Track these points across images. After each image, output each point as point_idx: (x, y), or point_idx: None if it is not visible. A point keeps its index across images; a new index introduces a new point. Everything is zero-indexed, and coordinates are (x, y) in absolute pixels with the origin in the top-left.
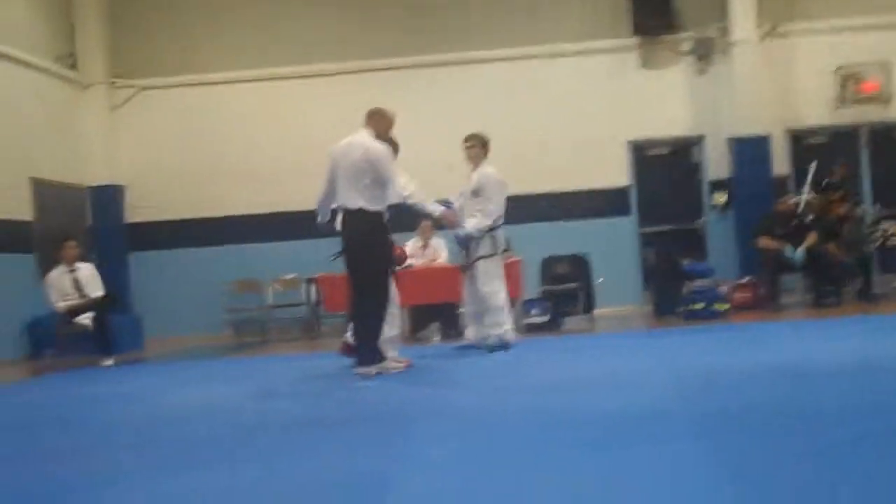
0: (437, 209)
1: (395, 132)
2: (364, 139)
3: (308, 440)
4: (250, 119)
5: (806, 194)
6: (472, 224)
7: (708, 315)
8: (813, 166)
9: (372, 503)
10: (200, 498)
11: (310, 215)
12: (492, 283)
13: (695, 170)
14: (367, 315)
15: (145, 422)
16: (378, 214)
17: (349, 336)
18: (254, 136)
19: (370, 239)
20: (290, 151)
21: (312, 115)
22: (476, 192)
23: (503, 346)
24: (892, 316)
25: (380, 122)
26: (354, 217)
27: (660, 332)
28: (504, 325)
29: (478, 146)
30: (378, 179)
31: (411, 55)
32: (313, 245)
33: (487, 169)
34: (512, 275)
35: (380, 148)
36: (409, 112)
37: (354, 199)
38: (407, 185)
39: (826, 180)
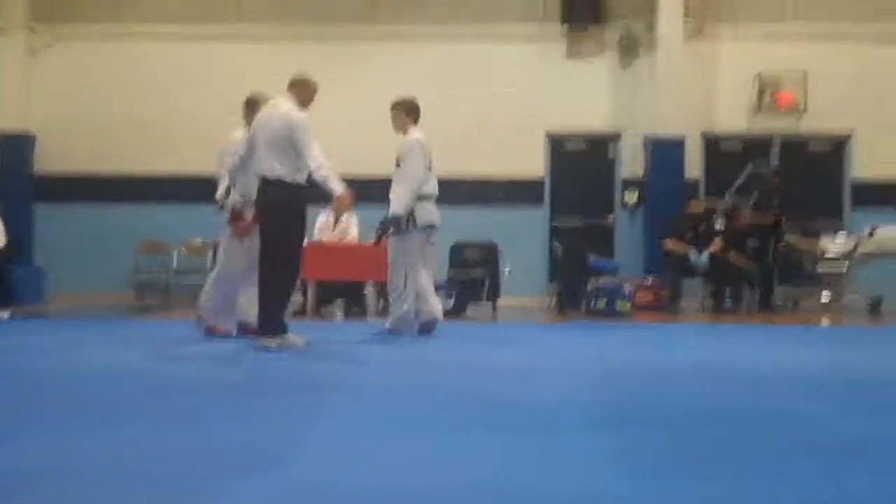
0: (338, 187)
1: (324, 102)
2: (285, 105)
3: (210, 404)
4: (175, 77)
5: (729, 198)
6: (394, 202)
7: (610, 313)
8: (748, 169)
9: (269, 468)
10: (104, 455)
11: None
12: (393, 263)
13: (610, 166)
14: (276, 285)
15: (42, 381)
16: (296, 186)
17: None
18: (177, 96)
19: (285, 210)
20: (213, 116)
21: (240, 80)
22: (397, 162)
23: (394, 330)
24: (789, 326)
25: (303, 91)
26: (272, 186)
27: (562, 326)
28: (395, 310)
29: (402, 112)
30: (296, 148)
31: (349, 23)
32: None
33: (410, 135)
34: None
35: (299, 115)
36: (340, 84)
37: (272, 168)
38: (318, 157)
39: (758, 188)
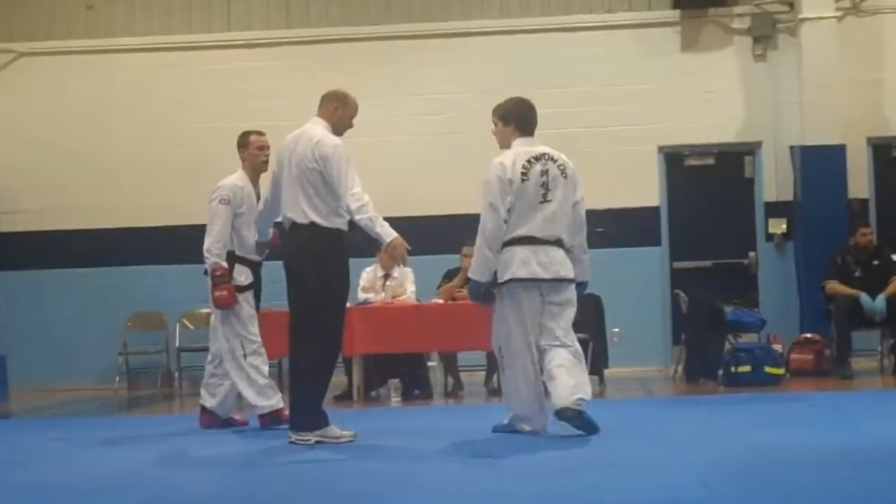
0: (387, 234)
1: (359, 122)
2: (315, 131)
3: None
4: (161, 98)
5: None
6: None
7: (756, 381)
8: None
9: None
10: None
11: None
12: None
13: (746, 188)
14: (310, 366)
15: (8, 499)
16: (335, 233)
17: (210, 399)
18: (165, 122)
19: (319, 265)
20: (213, 144)
21: (243, 98)
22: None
23: (511, 425)
24: None
25: (337, 109)
26: (301, 234)
27: (693, 401)
28: (506, 400)
29: (499, 121)
30: (330, 185)
31: (384, 23)
32: None
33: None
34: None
35: (333, 141)
36: (378, 97)
37: (302, 211)
38: (360, 194)
39: None
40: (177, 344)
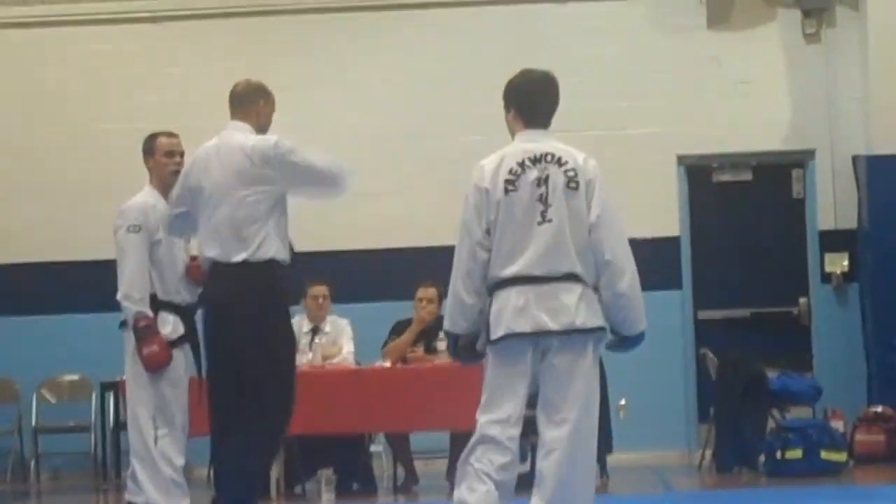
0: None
1: (317, 103)
2: (240, 138)
3: None
4: (25, 88)
5: None
6: None
7: (810, 469)
8: None
9: None
10: None
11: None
12: None
13: (795, 211)
14: (248, 454)
15: None
16: (275, 269)
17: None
18: (31, 121)
19: (262, 317)
20: (96, 151)
21: (142, 89)
22: None
23: None
24: None
25: (264, 106)
26: (232, 278)
27: (725, 497)
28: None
29: (505, 104)
30: (278, 200)
31: None
32: (115, 321)
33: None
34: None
35: (267, 138)
36: (310, 87)
37: (230, 247)
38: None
39: None
40: (33, 423)
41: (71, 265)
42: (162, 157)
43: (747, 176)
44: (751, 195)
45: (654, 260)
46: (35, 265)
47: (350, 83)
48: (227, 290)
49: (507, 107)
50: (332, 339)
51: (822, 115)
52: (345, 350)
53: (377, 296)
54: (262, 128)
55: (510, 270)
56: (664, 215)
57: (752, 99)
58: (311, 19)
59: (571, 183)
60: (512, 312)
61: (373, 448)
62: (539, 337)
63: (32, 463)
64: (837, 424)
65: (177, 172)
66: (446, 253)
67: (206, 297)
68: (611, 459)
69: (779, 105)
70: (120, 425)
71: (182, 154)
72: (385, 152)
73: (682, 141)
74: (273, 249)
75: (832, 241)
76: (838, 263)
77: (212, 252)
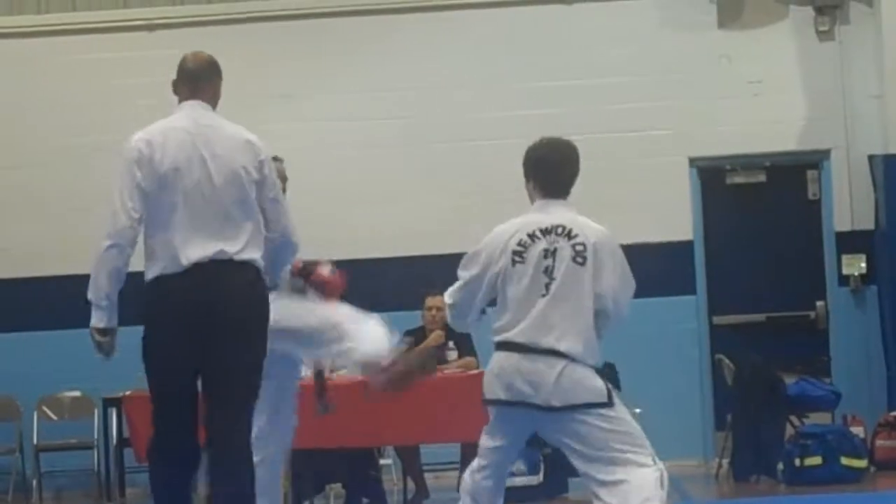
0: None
1: (314, 110)
2: (232, 127)
3: None
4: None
5: None
6: None
7: (830, 477)
8: None
9: None
10: None
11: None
12: None
13: (811, 212)
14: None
15: None
16: (263, 276)
17: None
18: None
19: (259, 324)
20: (83, 163)
21: (131, 98)
22: None
23: None
24: None
25: (217, 87)
26: (232, 279)
27: None
28: None
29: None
30: (264, 201)
31: None
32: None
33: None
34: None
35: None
36: (311, 94)
37: (227, 241)
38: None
39: None
40: (34, 441)
41: (70, 279)
42: None
43: (761, 177)
44: (765, 197)
45: (668, 265)
46: (34, 280)
47: (347, 89)
48: (232, 290)
49: (527, 177)
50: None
51: (837, 114)
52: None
53: (384, 306)
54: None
55: (506, 334)
56: (677, 219)
57: (765, 99)
58: (308, 25)
59: (578, 258)
60: (495, 377)
61: (382, 462)
62: (524, 407)
63: (34, 482)
64: (857, 430)
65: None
66: (454, 261)
67: (197, 298)
68: None
69: (793, 104)
70: (123, 442)
71: (286, 180)
72: (387, 160)
73: (694, 142)
74: (258, 250)
75: (849, 242)
76: (856, 265)
77: (204, 250)
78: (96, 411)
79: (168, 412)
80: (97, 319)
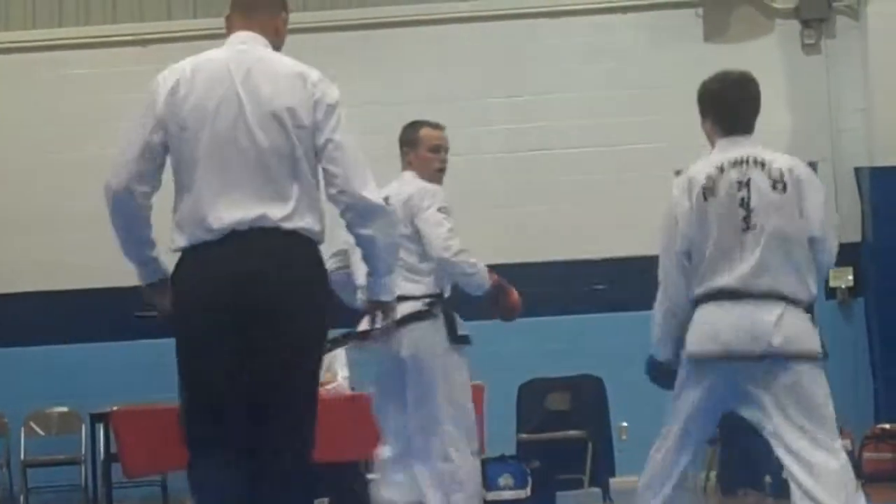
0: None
1: None
2: (289, 60)
3: None
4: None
5: None
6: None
7: None
8: None
9: None
10: None
11: (104, 295)
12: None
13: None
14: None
15: None
16: (319, 248)
17: None
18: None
19: (315, 310)
20: (74, 178)
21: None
22: None
23: None
24: None
25: (279, 21)
26: (279, 253)
27: None
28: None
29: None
30: (318, 151)
31: (311, 9)
32: (104, 352)
33: None
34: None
35: (325, 80)
36: None
37: (271, 204)
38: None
39: None
40: (21, 456)
41: (58, 295)
42: (427, 153)
43: None
44: None
45: (654, 279)
46: (21, 295)
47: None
48: (280, 267)
49: (704, 115)
50: (325, 366)
51: (824, 127)
52: (339, 376)
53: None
54: (276, 45)
55: (711, 283)
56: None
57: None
58: (300, 39)
59: (777, 186)
60: (700, 331)
61: (369, 476)
62: (732, 363)
63: (22, 497)
64: (845, 443)
65: (442, 170)
66: None
67: (236, 269)
68: (614, 483)
69: (779, 117)
70: (111, 457)
71: (447, 150)
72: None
73: (681, 156)
74: (318, 218)
75: (836, 256)
76: (843, 278)
77: (239, 211)
78: (83, 427)
79: (208, 424)
80: (138, 278)
